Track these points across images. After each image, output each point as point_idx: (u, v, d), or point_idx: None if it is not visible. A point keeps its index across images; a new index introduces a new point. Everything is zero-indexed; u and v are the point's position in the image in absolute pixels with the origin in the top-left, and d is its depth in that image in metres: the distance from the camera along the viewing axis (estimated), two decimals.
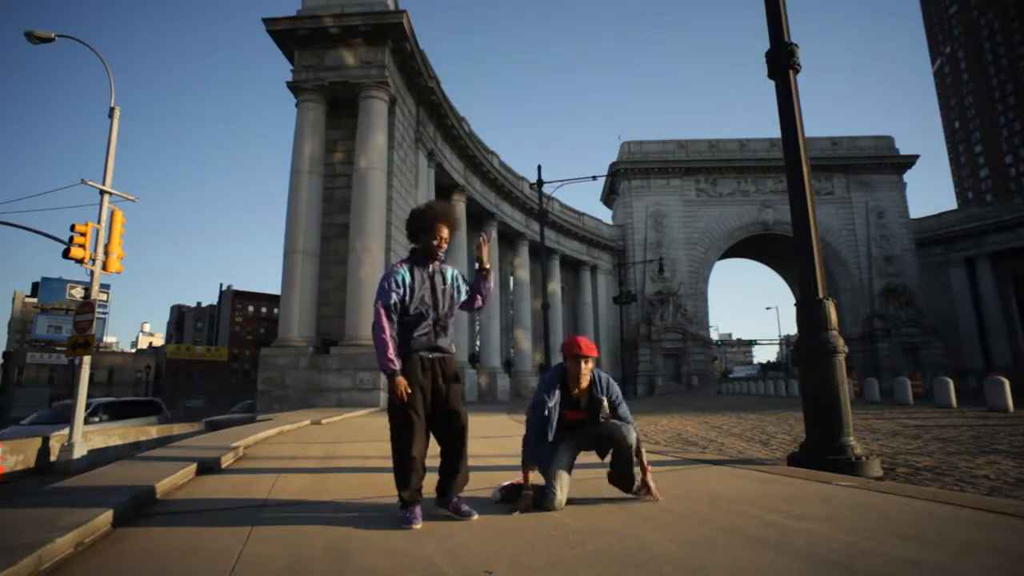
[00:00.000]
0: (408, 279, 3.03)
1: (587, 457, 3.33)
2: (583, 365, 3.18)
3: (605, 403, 3.23)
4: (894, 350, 41.71)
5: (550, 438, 3.16)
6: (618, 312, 37.33)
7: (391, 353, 2.91)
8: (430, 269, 3.11)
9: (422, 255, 3.12)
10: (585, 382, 3.20)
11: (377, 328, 2.94)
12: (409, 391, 2.90)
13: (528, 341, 35.02)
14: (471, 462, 3.18)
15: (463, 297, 3.20)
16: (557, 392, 3.20)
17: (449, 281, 3.15)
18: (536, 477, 3.17)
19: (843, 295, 43.68)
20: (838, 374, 4.60)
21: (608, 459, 3.28)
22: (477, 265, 3.26)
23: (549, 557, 2.27)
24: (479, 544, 2.48)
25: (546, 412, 3.13)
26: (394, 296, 2.98)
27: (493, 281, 3.31)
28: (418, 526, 2.76)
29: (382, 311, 2.96)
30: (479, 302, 3.26)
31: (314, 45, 18.36)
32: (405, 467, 2.92)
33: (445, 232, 3.12)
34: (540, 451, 3.16)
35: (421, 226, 3.11)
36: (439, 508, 3.00)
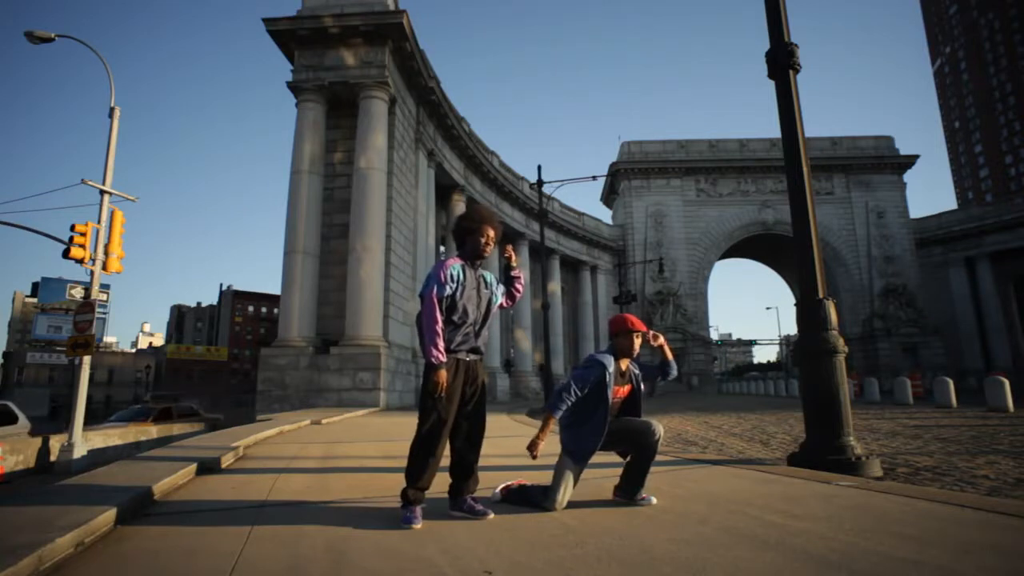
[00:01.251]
0: (462, 276, 3.04)
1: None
2: (636, 340, 3.27)
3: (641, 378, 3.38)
4: (894, 350, 41.73)
5: (606, 418, 3.09)
6: (618, 312, 37.34)
7: (442, 344, 2.90)
8: (476, 271, 3.13)
9: (471, 256, 3.13)
10: (635, 354, 3.31)
11: (428, 318, 2.90)
12: (445, 385, 2.90)
13: (528, 341, 35.03)
14: None
15: (499, 299, 3.24)
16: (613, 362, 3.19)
17: (490, 285, 3.18)
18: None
19: (843, 295, 43.71)
20: (838, 374, 4.60)
21: (628, 459, 3.26)
22: (505, 265, 3.30)
23: (549, 557, 2.27)
24: (479, 544, 2.48)
25: (607, 378, 3.10)
26: (448, 289, 2.97)
27: (523, 278, 3.39)
28: (418, 526, 2.76)
29: (435, 301, 2.93)
30: (519, 294, 3.33)
31: (314, 45, 18.36)
32: (424, 465, 2.92)
33: (492, 232, 3.12)
34: (586, 436, 3.09)
35: (468, 228, 3.13)
36: (452, 511, 3.00)
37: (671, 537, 2.51)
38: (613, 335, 3.28)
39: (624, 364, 3.28)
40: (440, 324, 2.91)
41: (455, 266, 3.04)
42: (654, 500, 3.16)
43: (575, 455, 3.10)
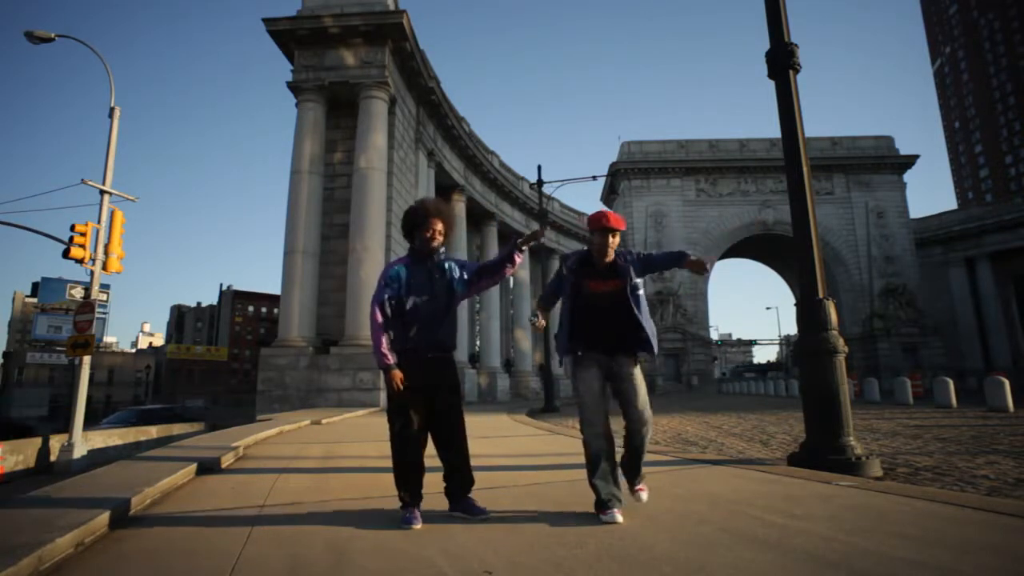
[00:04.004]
0: (404, 275, 3.04)
1: (583, 458, 3.29)
2: (610, 239, 3.05)
3: (632, 271, 3.09)
4: (894, 350, 41.69)
5: (572, 311, 3.08)
6: None
7: (385, 347, 2.93)
8: (428, 264, 3.10)
9: (419, 251, 3.12)
10: (610, 256, 3.08)
11: (372, 324, 2.98)
12: (405, 385, 2.92)
13: (528, 341, 35.00)
14: (471, 462, 3.17)
15: (461, 288, 3.15)
16: (575, 267, 3.13)
17: (447, 274, 3.12)
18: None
19: (843, 295, 43.67)
20: (838, 374, 4.60)
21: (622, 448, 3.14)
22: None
23: (549, 557, 2.27)
24: (479, 544, 2.48)
25: (563, 273, 3.11)
26: (388, 292, 3.00)
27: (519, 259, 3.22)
28: (418, 526, 2.76)
29: (376, 307, 2.99)
30: (510, 270, 3.21)
31: (314, 45, 18.36)
32: (405, 467, 2.94)
33: (439, 226, 3.10)
34: (561, 332, 3.09)
35: (415, 222, 3.11)
36: (451, 512, 3.00)
37: (671, 537, 2.51)
38: (590, 231, 3.17)
39: (602, 264, 3.12)
40: (381, 328, 2.96)
41: (395, 268, 3.07)
42: (644, 497, 3.10)
43: (559, 351, 3.12)
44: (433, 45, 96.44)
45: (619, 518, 2.78)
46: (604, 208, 3.30)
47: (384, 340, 2.94)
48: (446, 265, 3.15)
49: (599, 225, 3.06)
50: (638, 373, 3.05)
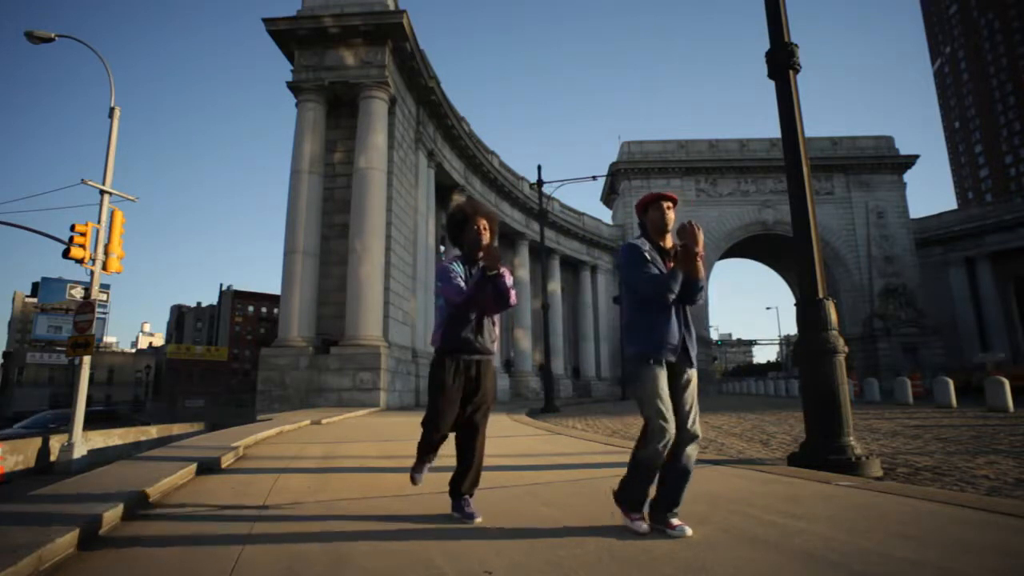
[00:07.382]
0: (462, 271, 2.99)
1: (584, 458, 3.30)
2: (667, 211, 2.70)
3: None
4: (894, 350, 41.70)
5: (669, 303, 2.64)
6: (618, 312, 37.31)
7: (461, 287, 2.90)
8: (479, 264, 3.04)
9: (469, 251, 3.06)
10: (669, 240, 2.74)
11: (456, 292, 2.88)
12: (449, 385, 2.90)
13: (528, 341, 35.02)
14: None
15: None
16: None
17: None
18: None
19: (843, 295, 43.67)
20: (838, 374, 4.60)
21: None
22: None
23: (549, 557, 2.27)
24: (479, 544, 2.48)
25: (647, 255, 2.62)
26: (460, 281, 2.91)
27: (506, 280, 3.00)
28: (420, 484, 2.99)
29: (456, 292, 2.89)
30: (507, 295, 3.02)
31: (314, 45, 18.37)
32: (434, 438, 2.99)
33: (484, 223, 3.06)
34: (654, 325, 2.65)
35: (460, 224, 3.08)
36: (452, 512, 3.00)
37: (671, 537, 2.51)
38: (642, 212, 2.81)
39: (668, 241, 2.77)
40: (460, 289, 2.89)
41: (455, 264, 3.02)
42: (689, 532, 2.50)
43: (650, 352, 2.63)
44: (433, 45, 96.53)
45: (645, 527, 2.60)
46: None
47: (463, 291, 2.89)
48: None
49: (651, 197, 2.76)
50: (696, 381, 2.74)
